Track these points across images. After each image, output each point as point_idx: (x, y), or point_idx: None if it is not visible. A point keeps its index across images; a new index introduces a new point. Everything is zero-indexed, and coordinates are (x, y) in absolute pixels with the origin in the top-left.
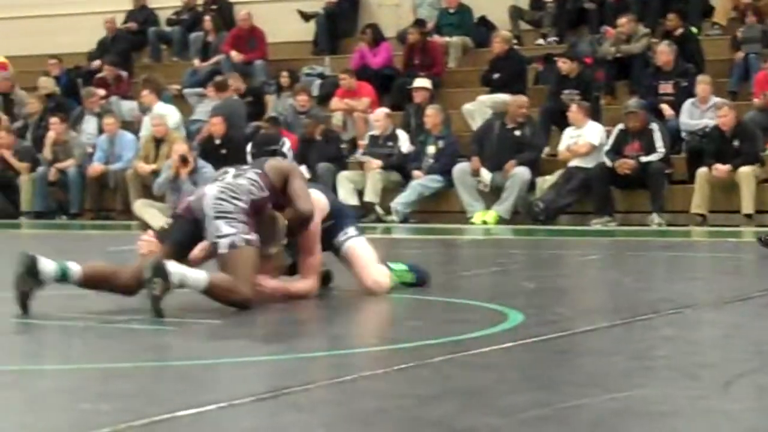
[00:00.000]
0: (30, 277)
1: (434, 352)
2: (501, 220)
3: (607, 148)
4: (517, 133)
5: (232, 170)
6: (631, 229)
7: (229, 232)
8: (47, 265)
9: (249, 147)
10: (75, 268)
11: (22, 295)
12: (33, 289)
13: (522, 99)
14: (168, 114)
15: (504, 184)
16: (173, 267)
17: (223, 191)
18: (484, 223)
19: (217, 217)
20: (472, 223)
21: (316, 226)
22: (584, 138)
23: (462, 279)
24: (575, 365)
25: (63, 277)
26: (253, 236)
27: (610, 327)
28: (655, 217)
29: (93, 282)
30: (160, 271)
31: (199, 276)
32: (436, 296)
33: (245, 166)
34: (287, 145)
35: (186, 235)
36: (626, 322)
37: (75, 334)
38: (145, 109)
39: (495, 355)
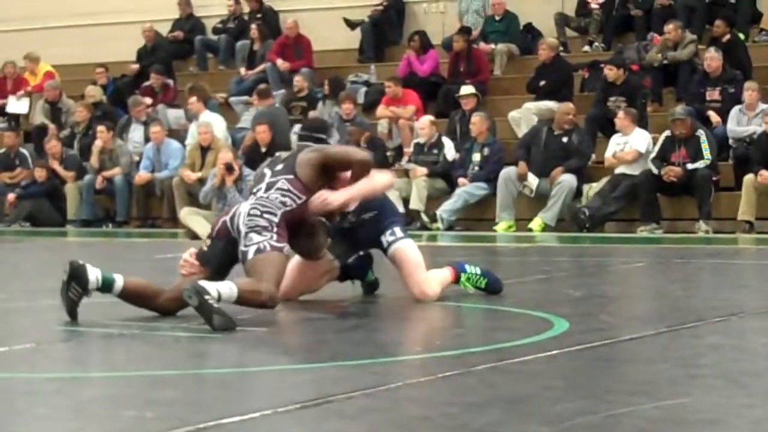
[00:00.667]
0: (78, 285)
1: (479, 360)
2: (546, 228)
3: (653, 155)
4: (564, 140)
5: (268, 173)
6: (677, 237)
7: (257, 240)
8: (93, 274)
9: (297, 128)
10: (119, 281)
11: (70, 303)
12: (80, 298)
13: (569, 106)
14: (214, 122)
15: (549, 191)
16: (208, 285)
17: (255, 207)
18: (530, 230)
19: (249, 231)
20: (495, 231)
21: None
22: (631, 145)
23: (507, 286)
24: (620, 373)
25: (106, 287)
26: (283, 244)
27: (656, 335)
28: (702, 225)
29: (132, 297)
30: (200, 295)
31: (230, 288)
32: (480, 304)
33: (280, 166)
34: (336, 139)
35: (224, 257)
36: (672, 329)
37: (119, 341)
38: (191, 118)
39: (540, 363)
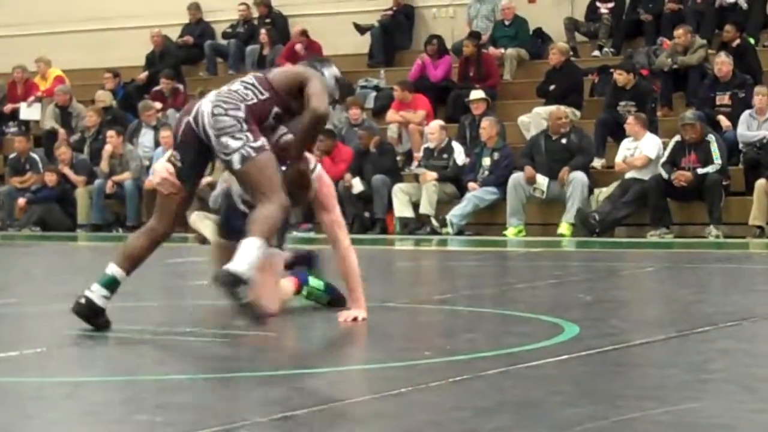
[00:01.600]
0: (99, 318)
1: (489, 365)
2: (575, 229)
3: (663, 160)
4: (564, 141)
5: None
6: (687, 241)
7: (236, 146)
8: (99, 297)
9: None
10: (118, 274)
11: (106, 325)
12: (109, 323)
13: (560, 111)
14: None
15: (561, 193)
16: (238, 266)
17: (217, 105)
18: (561, 235)
19: (219, 135)
20: (505, 236)
21: (329, 187)
22: (641, 150)
23: (517, 291)
24: (631, 378)
25: (114, 287)
26: (261, 142)
27: (667, 339)
28: (713, 229)
29: (136, 264)
30: (236, 280)
31: (252, 245)
32: (491, 309)
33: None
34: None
35: (199, 164)
36: (683, 334)
37: (130, 346)
38: None
39: (550, 368)
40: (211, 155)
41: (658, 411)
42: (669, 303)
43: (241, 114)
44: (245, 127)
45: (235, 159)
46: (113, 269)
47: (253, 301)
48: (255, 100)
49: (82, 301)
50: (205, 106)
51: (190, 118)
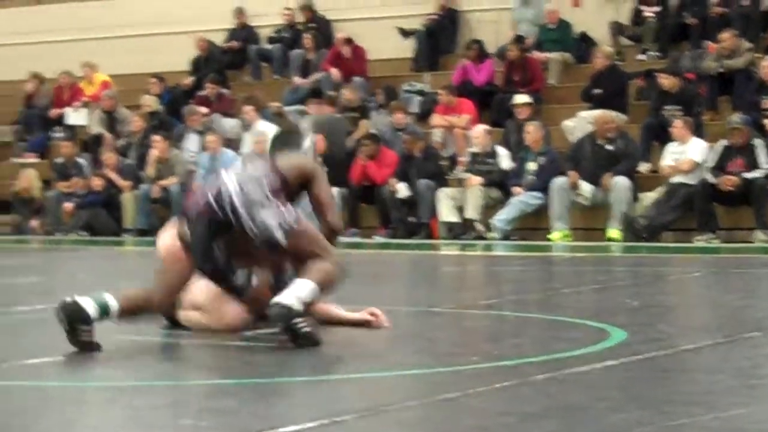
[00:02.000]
0: (83, 323)
1: (535, 370)
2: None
3: (709, 164)
4: (610, 147)
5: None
6: (734, 246)
7: (274, 222)
8: (89, 305)
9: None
10: (113, 306)
11: (87, 345)
12: (92, 334)
13: (608, 115)
14: (269, 131)
15: (605, 198)
16: (288, 299)
17: (243, 181)
18: (611, 240)
19: (251, 210)
20: (549, 240)
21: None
22: (687, 154)
23: (563, 296)
24: (678, 383)
25: (103, 313)
26: (294, 214)
27: (714, 345)
28: (759, 234)
29: (131, 314)
30: (290, 313)
31: (306, 284)
32: (537, 314)
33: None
34: (309, 142)
35: (209, 241)
36: (730, 340)
37: (174, 350)
38: (246, 127)
39: (597, 374)
40: (230, 230)
41: (707, 417)
42: (716, 308)
43: (267, 191)
44: (274, 201)
45: (279, 236)
46: (111, 298)
47: (312, 331)
48: (271, 182)
49: (69, 299)
50: (229, 183)
51: (210, 197)
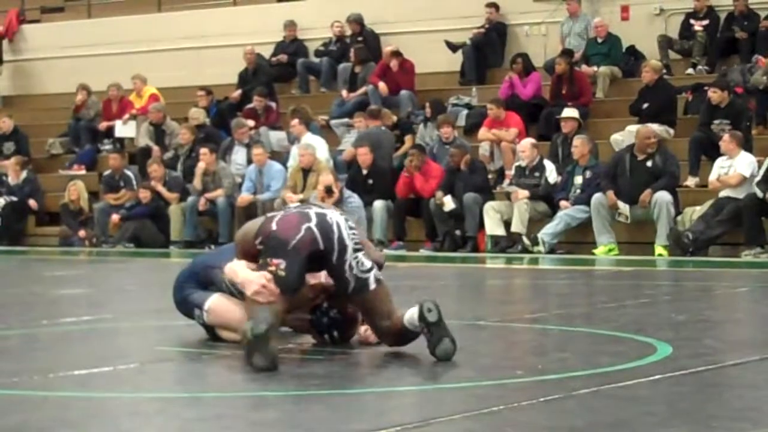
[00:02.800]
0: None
1: (580, 384)
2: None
3: (758, 178)
4: (649, 164)
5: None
6: None
7: (370, 267)
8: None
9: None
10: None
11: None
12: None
13: (649, 129)
14: (316, 145)
15: (646, 213)
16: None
17: (347, 219)
18: (660, 255)
19: (356, 249)
20: (594, 254)
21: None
22: (735, 168)
23: (609, 310)
24: (724, 399)
25: None
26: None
27: (761, 360)
28: None
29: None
30: (440, 313)
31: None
32: (582, 328)
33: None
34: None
35: (301, 277)
36: None
37: (222, 362)
38: (293, 140)
39: (643, 388)
40: (321, 266)
41: None
42: (763, 323)
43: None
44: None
45: (371, 279)
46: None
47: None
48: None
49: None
50: (336, 218)
51: (312, 225)
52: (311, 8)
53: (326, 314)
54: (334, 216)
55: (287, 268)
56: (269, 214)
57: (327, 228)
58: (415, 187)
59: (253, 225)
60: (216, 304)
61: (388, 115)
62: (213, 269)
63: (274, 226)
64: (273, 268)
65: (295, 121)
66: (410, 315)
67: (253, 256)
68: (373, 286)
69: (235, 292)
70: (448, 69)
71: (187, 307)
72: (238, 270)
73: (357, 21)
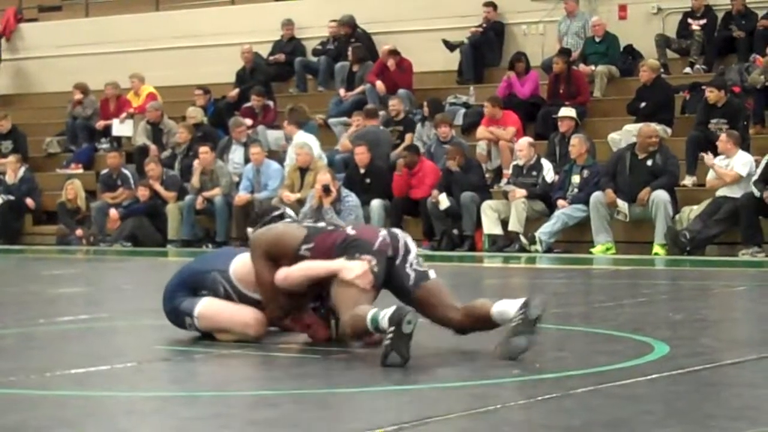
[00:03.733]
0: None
1: (578, 383)
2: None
3: (755, 177)
4: (649, 163)
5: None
6: None
7: (427, 265)
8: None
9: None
10: None
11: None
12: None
13: (651, 128)
14: (310, 142)
15: (645, 212)
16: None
17: (407, 236)
18: (657, 255)
19: (415, 255)
20: (591, 253)
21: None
22: (732, 167)
23: (606, 309)
24: (722, 398)
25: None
26: None
27: (758, 359)
28: None
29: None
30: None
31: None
32: (579, 327)
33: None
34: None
35: (383, 275)
36: None
37: (219, 361)
38: (290, 139)
39: (640, 387)
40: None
41: (750, 431)
42: (761, 322)
43: None
44: None
45: (432, 273)
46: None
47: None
48: None
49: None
50: (396, 230)
51: (385, 234)
52: (308, 7)
53: (324, 301)
54: (395, 230)
55: (378, 265)
56: (306, 224)
57: (394, 237)
58: (411, 186)
59: (285, 232)
60: (205, 308)
61: (396, 106)
62: (205, 273)
63: (352, 231)
64: (367, 263)
65: (286, 122)
66: (505, 307)
67: (285, 261)
68: (433, 275)
69: (233, 294)
70: (446, 68)
71: (177, 315)
72: (318, 263)
73: (348, 23)
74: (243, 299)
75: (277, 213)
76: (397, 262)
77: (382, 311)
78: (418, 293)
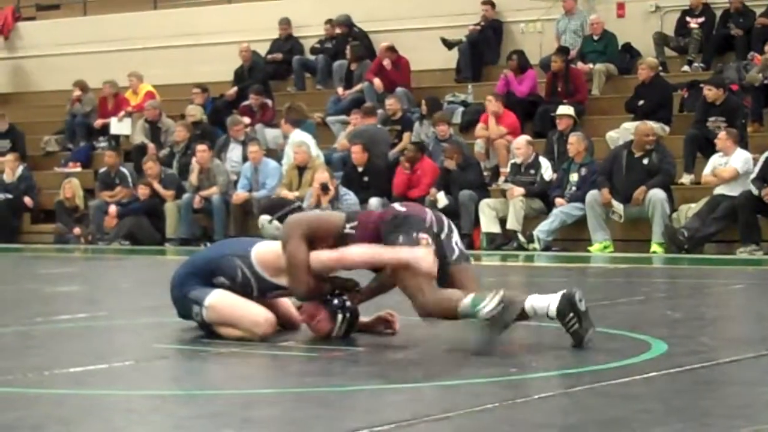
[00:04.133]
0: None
1: (575, 382)
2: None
3: (753, 175)
4: (645, 161)
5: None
6: None
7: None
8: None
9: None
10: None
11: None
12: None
13: (648, 126)
14: (307, 140)
15: (641, 211)
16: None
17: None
18: (655, 253)
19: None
20: (589, 251)
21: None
22: (730, 165)
23: (604, 308)
24: (720, 396)
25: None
26: None
27: (756, 357)
28: None
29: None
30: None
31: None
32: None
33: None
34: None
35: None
36: None
37: (217, 360)
38: (286, 137)
39: (637, 385)
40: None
41: (747, 430)
42: (759, 320)
43: None
44: None
45: (467, 255)
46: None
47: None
48: None
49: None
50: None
51: (432, 214)
52: (306, 5)
53: (337, 297)
54: (438, 213)
55: (434, 242)
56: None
57: (439, 216)
58: (410, 184)
59: (324, 214)
60: (217, 300)
61: (393, 105)
62: (221, 258)
63: (401, 209)
64: (425, 242)
65: (282, 121)
66: (545, 303)
67: (323, 244)
68: (471, 261)
69: (251, 279)
70: (444, 66)
71: (185, 304)
72: (386, 250)
73: (345, 23)
74: (262, 284)
75: (295, 206)
76: (443, 237)
77: (491, 302)
78: (454, 269)
